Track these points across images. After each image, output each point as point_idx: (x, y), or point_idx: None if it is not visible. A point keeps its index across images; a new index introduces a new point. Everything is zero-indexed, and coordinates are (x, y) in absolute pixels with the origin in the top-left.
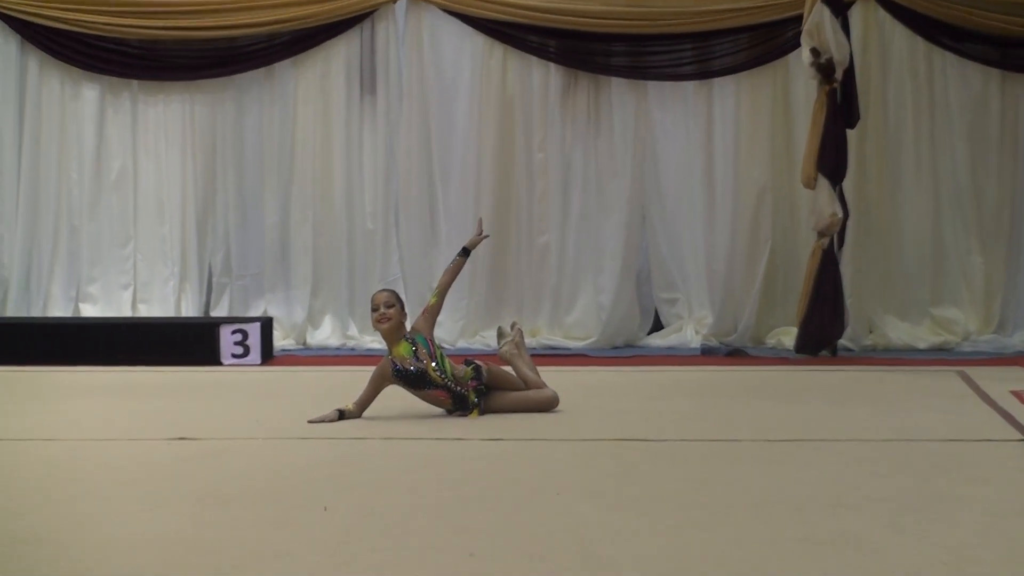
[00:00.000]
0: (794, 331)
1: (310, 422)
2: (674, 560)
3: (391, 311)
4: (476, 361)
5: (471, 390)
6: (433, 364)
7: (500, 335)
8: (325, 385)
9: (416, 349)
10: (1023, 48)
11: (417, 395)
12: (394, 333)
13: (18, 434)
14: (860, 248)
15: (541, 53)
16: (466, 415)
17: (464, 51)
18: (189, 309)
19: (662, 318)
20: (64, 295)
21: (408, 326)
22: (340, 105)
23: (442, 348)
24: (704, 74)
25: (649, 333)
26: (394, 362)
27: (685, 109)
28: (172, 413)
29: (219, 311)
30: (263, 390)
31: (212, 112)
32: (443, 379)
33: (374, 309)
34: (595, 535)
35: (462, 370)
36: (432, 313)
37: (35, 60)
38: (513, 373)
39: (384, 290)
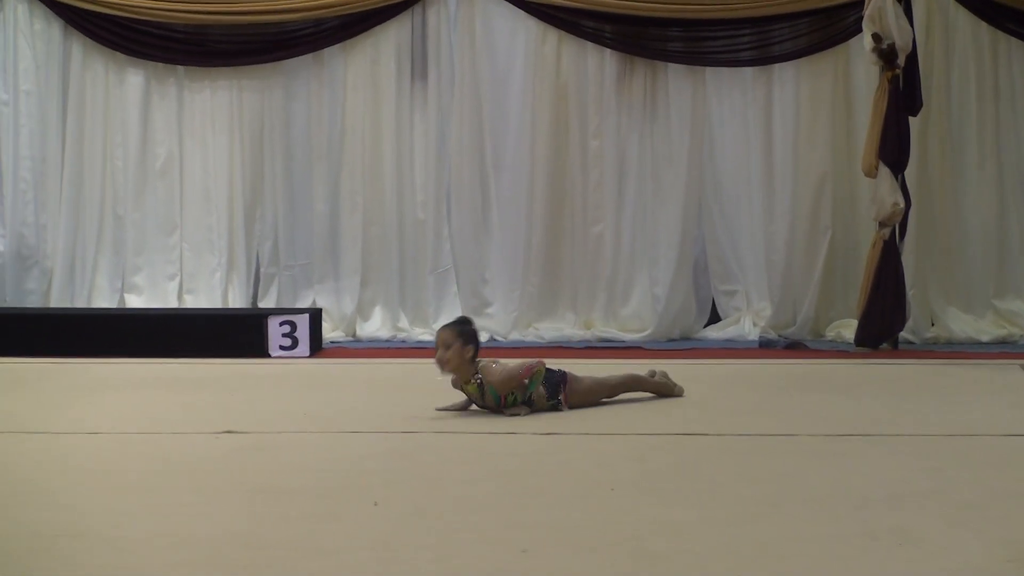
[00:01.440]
0: (854, 323)
1: (438, 410)
2: (729, 556)
3: (448, 354)
4: (560, 370)
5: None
6: (500, 407)
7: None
8: (375, 378)
9: (484, 394)
10: None
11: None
12: (459, 373)
13: (62, 427)
14: (922, 239)
15: (596, 38)
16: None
17: (517, 36)
18: (236, 300)
19: (720, 310)
20: (109, 286)
21: (477, 363)
22: (390, 91)
23: (514, 396)
24: (763, 60)
25: (706, 325)
26: (461, 386)
27: (743, 96)
28: (219, 406)
29: (267, 302)
30: (312, 383)
31: (260, 99)
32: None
33: (436, 348)
34: (650, 530)
35: (532, 391)
36: (514, 387)
37: (79, 46)
38: (601, 383)
39: (445, 327)
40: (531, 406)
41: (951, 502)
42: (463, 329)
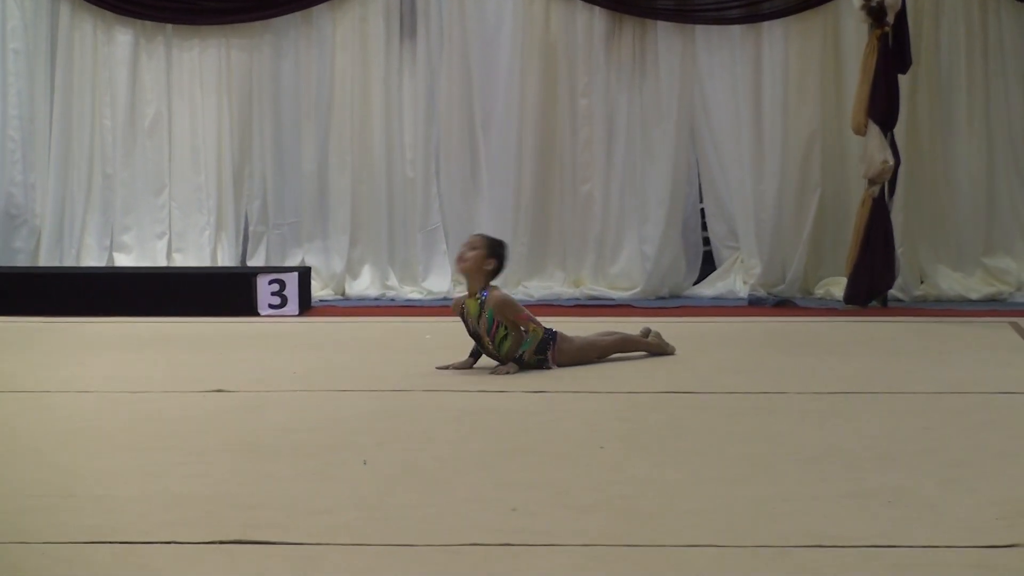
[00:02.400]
0: (843, 281)
1: (438, 368)
2: (720, 514)
3: (471, 253)
4: (551, 330)
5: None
6: (488, 339)
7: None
8: (364, 336)
9: (481, 315)
10: None
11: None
12: (471, 278)
13: (52, 386)
14: (911, 196)
15: None
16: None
17: None
18: (225, 259)
19: (717, 262)
20: (98, 245)
21: (490, 284)
22: (379, 50)
23: (505, 337)
24: (752, 17)
25: (696, 283)
26: (462, 306)
27: (732, 54)
28: (208, 365)
29: (256, 261)
30: (301, 341)
31: (248, 57)
32: (493, 352)
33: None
34: (640, 489)
35: (526, 350)
36: (510, 318)
37: (67, 4)
38: (592, 344)
39: (478, 234)
40: (520, 364)
41: (941, 460)
42: (493, 242)
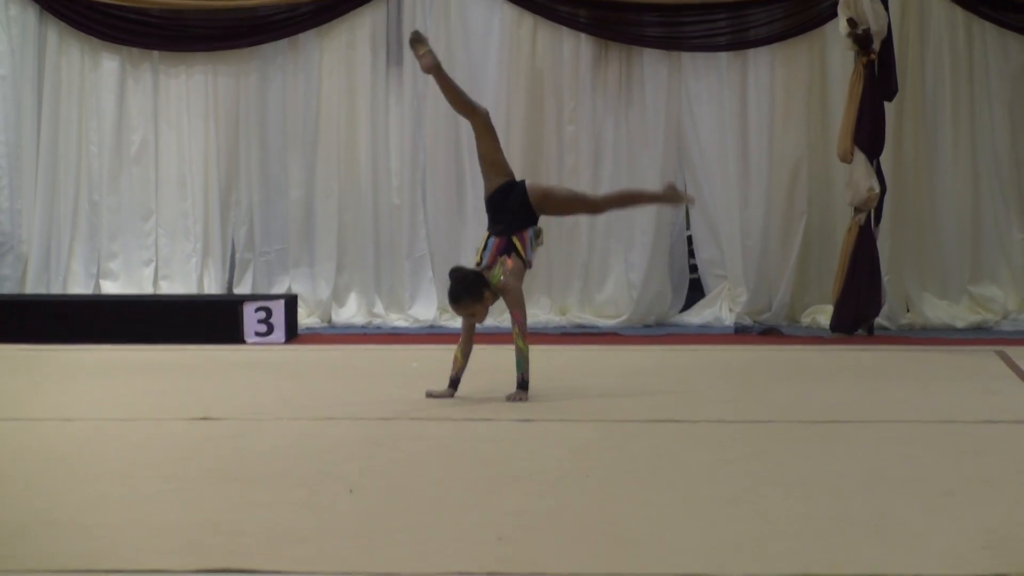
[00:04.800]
0: (829, 309)
1: (428, 394)
2: (707, 542)
3: (476, 316)
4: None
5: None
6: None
7: (417, 42)
8: (351, 364)
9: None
10: None
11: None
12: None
13: (37, 414)
14: (897, 224)
15: (571, 23)
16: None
17: (492, 21)
18: (212, 286)
19: (705, 289)
20: (84, 271)
21: (502, 280)
22: (366, 76)
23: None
24: (739, 44)
25: (682, 310)
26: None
27: (719, 81)
28: (194, 392)
29: (242, 288)
30: (287, 369)
31: (235, 84)
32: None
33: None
34: (626, 517)
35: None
36: (508, 303)
37: (54, 30)
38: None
39: (457, 302)
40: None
41: (927, 488)
42: (471, 287)
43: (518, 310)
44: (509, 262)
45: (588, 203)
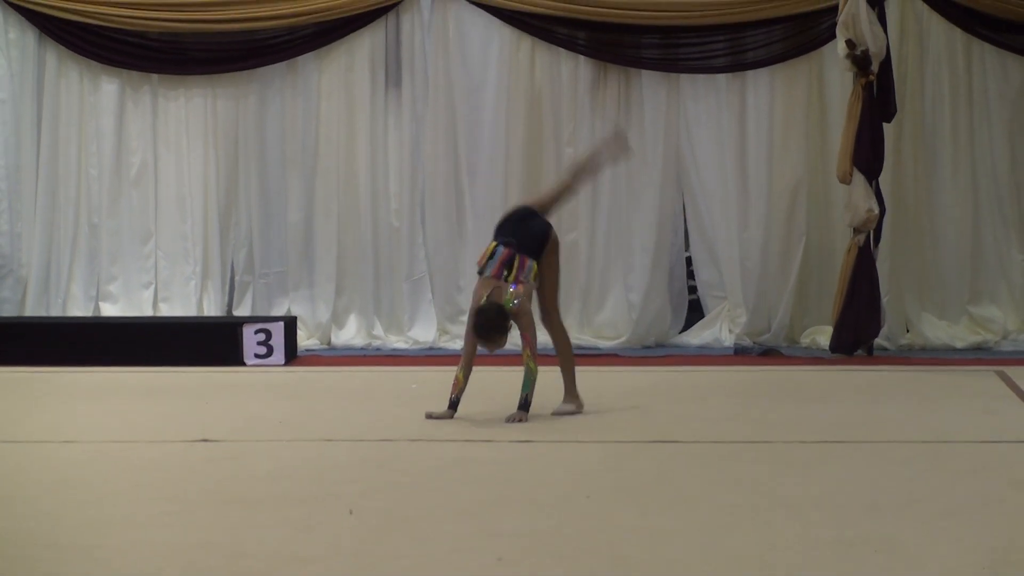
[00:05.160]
0: (829, 330)
1: (428, 415)
2: (706, 563)
3: (500, 344)
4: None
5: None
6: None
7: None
8: (350, 386)
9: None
10: None
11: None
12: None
13: (38, 436)
14: (896, 245)
15: (570, 45)
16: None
17: (491, 43)
18: (211, 308)
19: (704, 310)
20: (84, 294)
21: (516, 302)
22: (365, 99)
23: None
24: (737, 66)
25: (682, 331)
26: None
27: (718, 102)
28: (194, 414)
29: (242, 310)
30: (287, 391)
31: (234, 106)
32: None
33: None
34: (626, 538)
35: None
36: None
37: (53, 54)
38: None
39: (485, 342)
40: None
41: (927, 509)
42: (496, 329)
43: (530, 332)
44: (520, 287)
45: (550, 201)
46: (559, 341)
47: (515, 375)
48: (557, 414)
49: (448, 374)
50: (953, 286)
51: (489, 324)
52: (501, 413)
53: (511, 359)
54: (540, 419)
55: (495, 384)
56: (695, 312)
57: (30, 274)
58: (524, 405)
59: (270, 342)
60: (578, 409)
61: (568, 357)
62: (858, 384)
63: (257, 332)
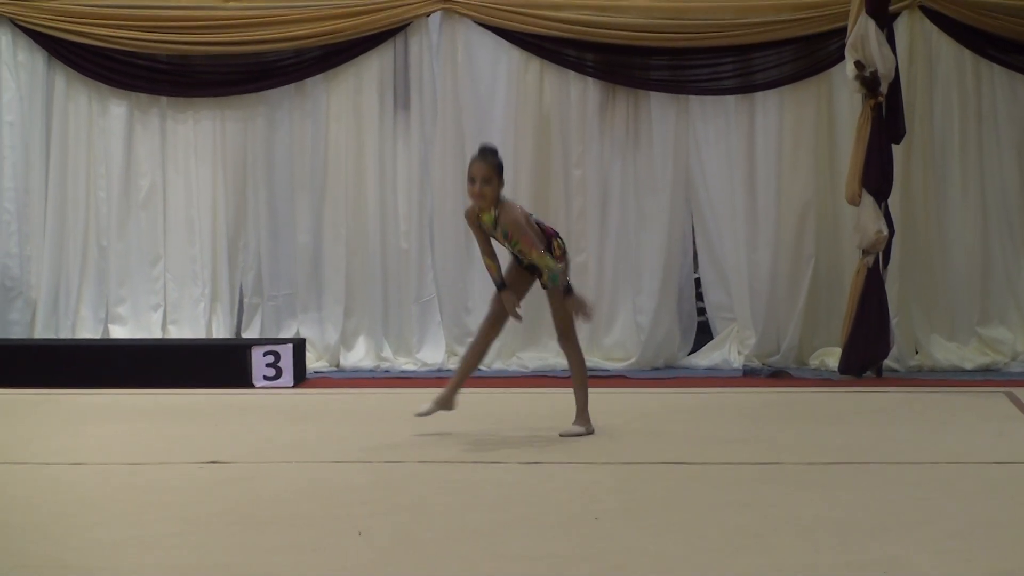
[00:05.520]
0: (838, 351)
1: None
2: None
3: (487, 189)
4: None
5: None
6: (508, 245)
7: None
8: (359, 408)
9: (496, 227)
10: None
11: (481, 246)
12: (488, 203)
13: (46, 458)
14: (905, 266)
15: (578, 67)
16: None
17: (500, 65)
18: (220, 330)
19: (713, 332)
20: (93, 316)
21: (501, 202)
22: (373, 121)
23: (517, 246)
24: (746, 88)
25: (690, 353)
26: (477, 216)
27: (727, 124)
28: (203, 437)
29: (251, 332)
30: (296, 413)
31: (242, 129)
32: (515, 254)
33: (471, 180)
34: (636, 561)
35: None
36: (517, 239)
37: (62, 76)
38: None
39: (483, 159)
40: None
41: (937, 531)
42: (499, 163)
43: (525, 237)
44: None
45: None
46: (574, 362)
47: (522, 397)
48: (565, 435)
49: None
50: (962, 307)
51: (493, 153)
52: (510, 435)
53: (524, 381)
54: (548, 441)
55: (503, 407)
56: (704, 334)
57: (39, 296)
58: (567, 289)
59: (279, 364)
60: (588, 431)
61: (582, 379)
62: (867, 406)
63: (266, 354)
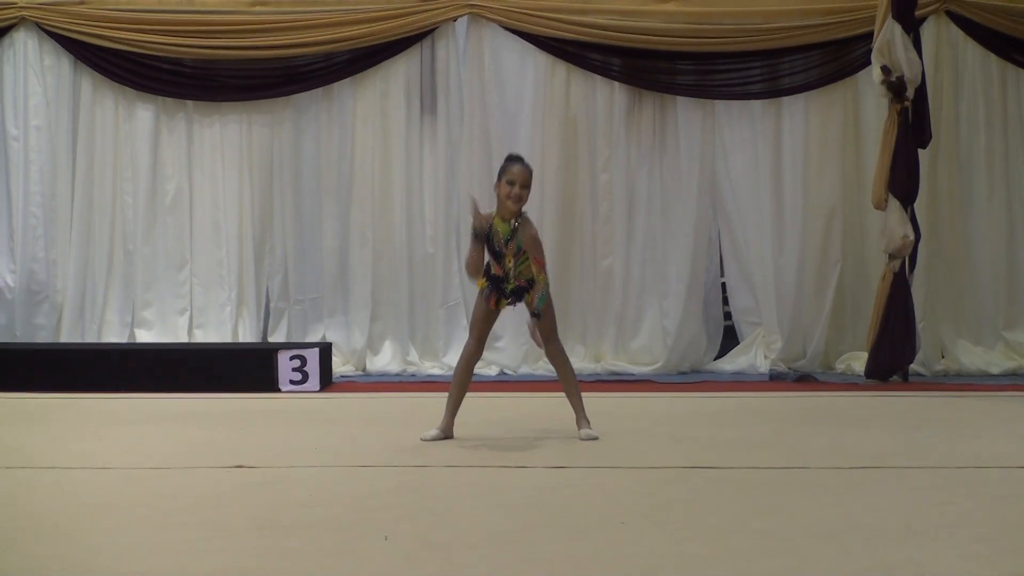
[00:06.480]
0: (864, 356)
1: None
2: None
3: (525, 193)
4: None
5: (523, 291)
6: (512, 260)
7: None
8: (385, 412)
9: (511, 239)
10: None
11: (474, 252)
12: (516, 211)
13: (72, 462)
14: (932, 271)
15: (605, 72)
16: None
17: (526, 70)
18: (246, 334)
19: (739, 336)
20: (119, 320)
21: (523, 213)
22: (400, 125)
23: (524, 261)
24: (772, 92)
25: (717, 357)
26: (490, 224)
27: (753, 128)
28: (229, 441)
29: (277, 336)
30: (322, 417)
31: (269, 133)
32: (508, 269)
33: (510, 183)
34: (661, 565)
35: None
36: (534, 255)
37: (88, 81)
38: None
39: (524, 165)
40: (534, 316)
41: (964, 535)
42: (529, 172)
43: (540, 258)
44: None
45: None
46: (567, 370)
47: (548, 402)
48: (585, 439)
49: (480, 399)
50: (988, 312)
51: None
52: (536, 439)
53: (550, 386)
54: (573, 445)
55: (527, 410)
56: (730, 338)
57: (65, 300)
58: (534, 313)
59: (305, 368)
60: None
61: (576, 384)
62: (893, 410)
63: (292, 358)
